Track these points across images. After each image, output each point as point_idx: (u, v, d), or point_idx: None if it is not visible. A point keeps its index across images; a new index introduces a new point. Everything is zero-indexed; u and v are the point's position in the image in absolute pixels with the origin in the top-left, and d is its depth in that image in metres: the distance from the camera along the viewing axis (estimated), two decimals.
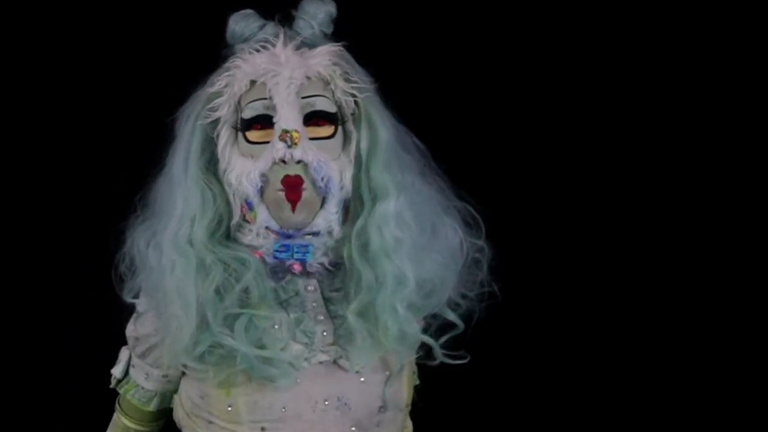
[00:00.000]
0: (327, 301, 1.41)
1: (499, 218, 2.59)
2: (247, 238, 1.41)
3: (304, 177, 1.35)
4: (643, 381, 2.67)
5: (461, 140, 2.62)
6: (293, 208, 1.36)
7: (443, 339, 1.49)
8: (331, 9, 1.45)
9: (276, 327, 1.37)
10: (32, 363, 2.70)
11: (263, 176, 1.36)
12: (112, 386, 1.63)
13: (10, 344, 2.69)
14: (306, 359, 1.38)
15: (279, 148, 1.34)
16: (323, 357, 1.39)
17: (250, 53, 1.40)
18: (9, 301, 2.69)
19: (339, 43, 1.43)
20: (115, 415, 1.65)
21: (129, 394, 1.58)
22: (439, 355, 1.49)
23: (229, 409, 1.40)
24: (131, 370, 1.58)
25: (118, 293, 1.51)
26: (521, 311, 2.64)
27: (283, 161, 1.34)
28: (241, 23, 1.44)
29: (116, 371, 1.61)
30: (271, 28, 1.44)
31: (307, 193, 1.36)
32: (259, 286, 1.37)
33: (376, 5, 2.50)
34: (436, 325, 1.49)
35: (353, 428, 1.40)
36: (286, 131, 1.34)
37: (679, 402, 2.66)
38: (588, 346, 2.65)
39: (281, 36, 1.41)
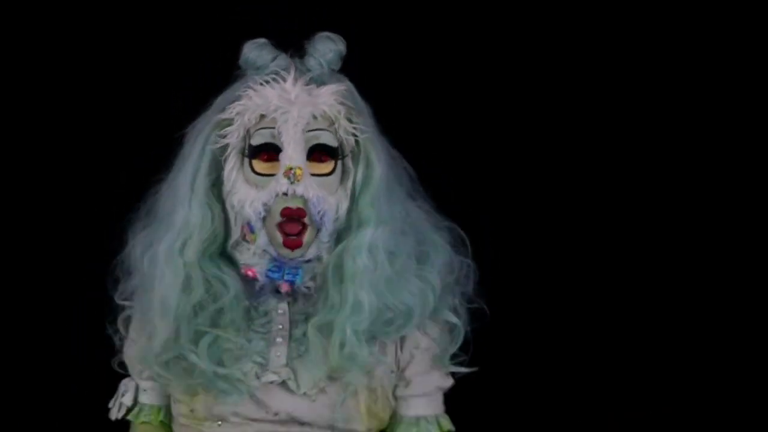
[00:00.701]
0: (292, 324, 1.54)
1: (499, 218, 2.60)
2: (244, 256, 1.53)
3: (303, 208, 1.47)
4: (643, 381, 2.67)
5: (460, 146, 2.63)
6: (292, 251, 1.49)
7: (451, 351, 1.64)
8: (341, 48, 1.55)
9: (235, 349, 1.51)
10: (32, 363, 2.70)
11: (265, 206, 1.48)
12: (116, 417, 1.74)
13: (10, 344, 2.69)
14: (257, 377, 1.52)
15: (283, 183, 1.46)
16: (273, 377, 1.53)
17: (261, 84, 1.50)
18: (9, 301, 2.69)
19: (343, 84, 1.53)
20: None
21: (159, 418, 1.69)
22: (446, 364, 1.64)
23: (191, 411, 1.57)
24: (143, 396, 1.70)
25: (110, 294, 1.64)
26: (521, 311, 2.64)
27: (285, 194, 1.47)
28: (255, 52, 1.54)
29: (127, 401, 1.72)
30: (282, 60, 1.53)
31: (306, 237, 1.49)
32: (233, 310, 1.51)
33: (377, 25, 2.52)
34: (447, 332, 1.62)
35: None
36: (290, 168, 1.45)
37: (679, 402, 2.66)
38: (588, 347, 2.65)
39: (292, 71, 1.51)
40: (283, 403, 1.53)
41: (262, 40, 1.56)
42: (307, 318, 1.54)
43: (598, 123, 2.62)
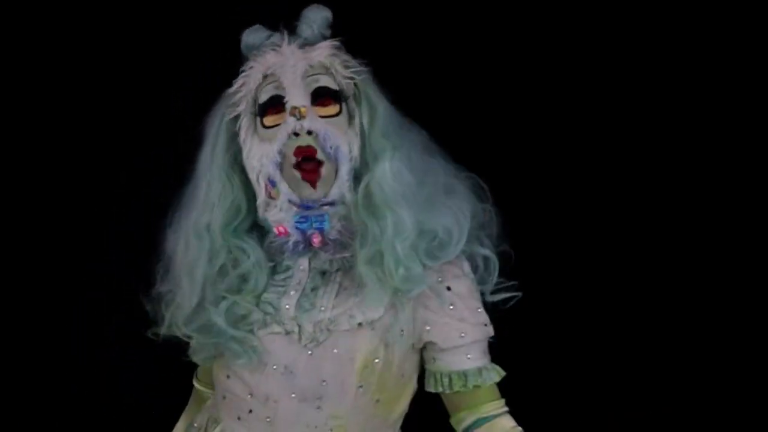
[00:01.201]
0: (310, 279, 1.62)
1: (498, 218, 2.60)
2: (272, 214, 1.61)
3: (314, 145, 1.55)
4: (643, 381, 2.67)
5: (461, 138, 2.63)
6: (314, 186, 1.57)
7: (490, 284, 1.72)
8: (328, 15, 1.66)
9: (250, 314, 1.61)
10: (32, 363, 2.70)
11: (280, 152, 1.57)
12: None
13: (10, 344, 2.69)
14: (265, 325, 1.61)
15: (290, 122, 1.55)
16: (277, 328, 1.60)
17: (260, 55, 1.64)
18: (9, 301, 2.69)
19: (336, 39, 1.65)
20: (194, 388, 1.88)
21: (207, 364, 1.76)
22: (487, 296, 1.70)
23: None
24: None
25: (156, 285, 1.71)
26: (521, 312, 2.64)
27: (296, 134, 1.55)
28: (252, 36, 1.68)
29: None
30: (277, 36, 1.66)
31: (325, 170, 1.56)
32: (256, 278, 1.61)
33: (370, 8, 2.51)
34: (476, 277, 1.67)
35: (293, 395, 1.60)
36: (295, 107, 1.56)
37: (679, 402, 2.67)
38: (588, 347, 2.65)
39: (286, 38, 1.64)
40: (283, 355, 1.61)
41: (257, 26, 1.70)
42: (323, 274, 1.62)
43: (599, 114, 2.62)
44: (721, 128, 2.60)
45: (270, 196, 1.61)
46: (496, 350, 2.60)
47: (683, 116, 2.61)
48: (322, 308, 1.60)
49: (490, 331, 1.69)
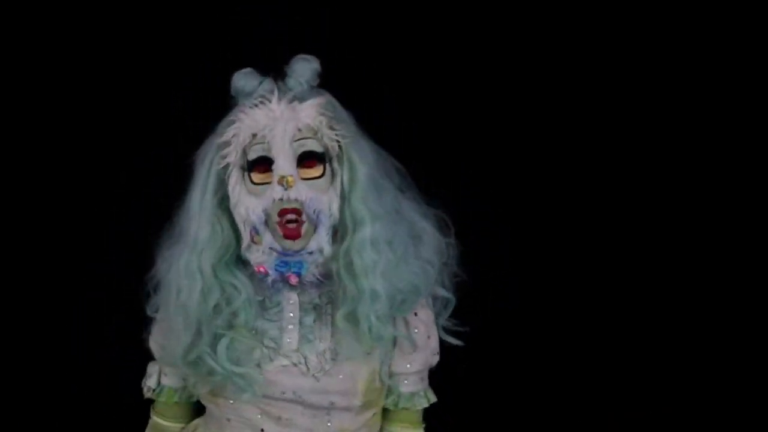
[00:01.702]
0: (303, 312, 1.74)
1: (499, 218, 2.60)
2: (254, 256, 1.71)
3: (299, 208, 1.67)
4: (643, 381, 2.67)
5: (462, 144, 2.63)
6: (293, 240, 1.68)
7: (443, 319, 1.83)
8: (316, 66, 1.74)
9: (249, 348, 1.72)
10: (32, 363, 2.70)
11: (265, 211, 1.68)
12: (147, 396, 1.90)
13: (10, 344, 2.69)
14: (270, 360, 1.72)
15: (277, 191, 1.66)
16: (284, 361, 1.73)
17: (250, 108, 1.70)
18: (9, 301, 2.69)
19: (323, 97, 1.71)
20: (153, 423, 1.93)
21: (174, 399, 1.88)
22: (441, 334, 1.83)
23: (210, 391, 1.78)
24: (165, 379, 1.88)
25: (145, 308, 1.80)
26: (521, 312, 2.64)
27: (281, 200, 1.67)
28: (243, 80, 1.73)
29: (151, 383, 1.89)
30: (267, 84, 1.73)
31: (304, 228, 1.68)
32: (246, 311, 1.72)
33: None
34: (435, 311, 1.82)
35: (304, 413, 1.73)
36: (282, 177, 1.66)
37: (679, 402, 2.67)
38: (588, 347, 2.65)
39: (275, 92, 1.70)
40: (290, 383, 1.72)
41: (248, 69, 1.74)
42: (314, 308, 1.74)
43: (599, 116, 2.62)
44: (721, 128, 2.60)
45: (253, 241, 1.71)
46: (496, 350, 2.61)
47: (683, 117, 2.61)
48: (322, 339, 1.74)
49: (436, 359, 1.84)
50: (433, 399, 1.85)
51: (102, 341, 2.64)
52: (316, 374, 1.72)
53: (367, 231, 1.68)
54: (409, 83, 2.57)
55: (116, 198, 2.63)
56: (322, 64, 1.75)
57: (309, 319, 1.74)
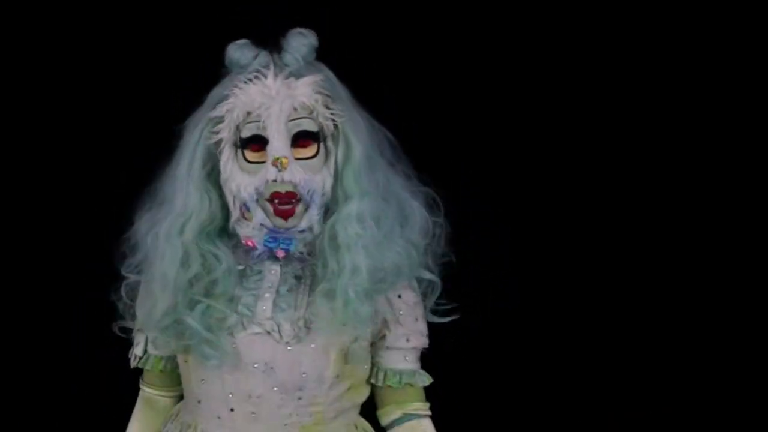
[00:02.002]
0: (281, 282, 1.72)
1: (499, 218, 2.60)
2: (244, 230, 1.71)
3: (292, 190, 1.66)
4: (643, 381, 2.67)
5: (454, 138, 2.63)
6: (285, 220, 1.68)
7: (430, 301, 1.81)
8: (313, 41, 1.72)
9: (223, 317, 1.70)
10: (32, 363, 2.70)
11: (257, 190, 1.66)
12: (133, 366, 1.88)
13: (10, 344, 2.69)
14: (244, 328, 1.70)
15: (272, 172, 1.65)
16: (257, 329, 1.70)
17: (245, 83, 1.68)
18: (9, 301, 2.69)
19: (320, 74, 1.70)
20: (143, 393, 1.92)
21: (159, 367, 1.86)
22: (429, 316, 1.81)
23: (185, 362, 1.77)
24: (151, 347, 1.86)
25: (118, 267, 1.80)
26: (521, 312, 2.64)
27: (275, 180, 1.65)
28: (238, 52, 1.71)
29: (138, 351, 1.87)
30: (263, 57, 1.71)
31: (298, 208, 1.67)
32: (225, 281, 1.71)
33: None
34: (422, 291, 1.80)
35: (275, 389, 1.70)
36: (277, 158, 1.64)
37: (679, 402, 2.67)
38: (588, 347, 2.66)
39: (271, 67, 1.68)
40: (262, 352, 1.70)
41: (244, 41, 1.72)
42: (295, 278, 1.72)
43: (599, 117, 2.63)
44: (721, 128, 2.61)
45: (244, 217, 1.71)
46: (497, 350, 2.62)
47: (683, 117, 2.61)
48: (298, 307, 1.72)
49: (426, 342, 1.82)
50: (431, 379, 1.83)
51: (102, 341, 2.64)
52: (289, 341, 1.70)
53: (354, 205, 1.68)
54: (409, 83, 2.57)
55: (116, 198, 2.63)
56: (321, 63, 1.74)
57: (285, 288, 1.72)
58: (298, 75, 1.68)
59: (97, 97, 2.64)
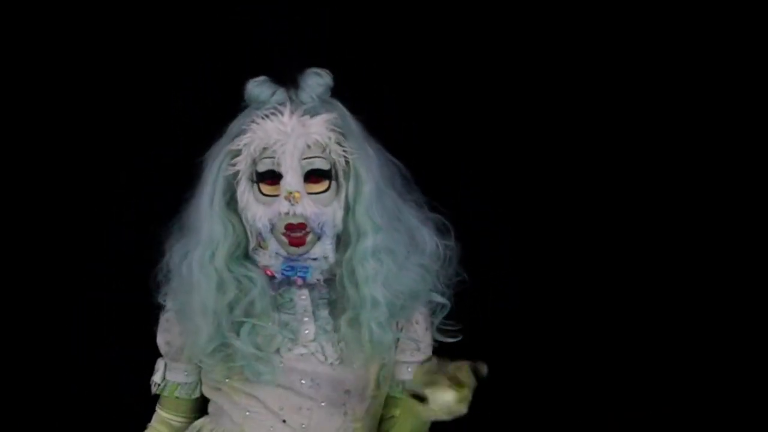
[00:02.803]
0: (315, 306, 1.82)
1: (499, 218, 2.60)
2: (262, 259, 1.81)
3: (304, 222, 1.75)
4: (643, 381, 2.67)
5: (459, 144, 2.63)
6: (298, 248, 1.77)
7: (438, 320, 1.90)
8: (328, 81, 1.80)
9: (269, 334, 1.79)
10: (32, 363, 2.70)
11: (271, 221, 1.76)
12: (155, 392, 1.95)
13: (10, 344, 2.69)
14: (289, 350, 1.80)
15: (284, 205, 1.75)
16: (302, 350, 1.80)
17: (263, 118, 1.76)
18: (9, 301, 2.69)
19: (333, 112, 1.77)
20: (158, 415, 1.97)
21: (174, 394, 1.93)
22: (434, 333, 1.90)
23: (227, 379, 1.85)
24: (169, 374, 1.93)
25: (155, 296, 1.86)
26: (521, 312, 2.64)
27: (287, 214, 1.75)
28: (257, 89, 1.79)
29: (157, 378, 1.94)
30: (280, 94, 1.79)
31: (309, 238, 1.77)
32: (262, 301, 1.79)
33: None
34: (431, 308, 1.89)
35: (323, 403, 1.81)
36: (290, 192, 1.74)
37: (679, 402, 2.66)
38: (588, 347, 2.65)
39: (288, 104, 1.77)
40: (309, 370, 1.80)
41: (263, 78, 1.80)
42: (329, 303, 1.82)
43: (599, 119, 2.62)
44: (721, 128, 2.60)
45: (260, 246, 1.81)
46: (496, 350, 2.61)
47: (683, 117, 2.61)
48: (337, 330, 1.81)
49: (430, 351, 1.91)
50: None
51: (102, 341, 2.64)
52: (333, 362, 1.80)
53: (369, 242, 1.77)
54: (409, 84, 2.57)
55: (116, 198, 2.63)
56: (321, 63, 1.79)
57: (324, 312, 1.81)
58: (312, 113, 1.77)
59: (97, 96, 2.63)
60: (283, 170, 1.74)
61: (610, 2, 2.59)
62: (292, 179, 1.74)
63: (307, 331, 1.81)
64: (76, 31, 2.61)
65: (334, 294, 1.81)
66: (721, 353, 2.64)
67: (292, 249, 1.76)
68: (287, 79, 1.80)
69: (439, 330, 1.90)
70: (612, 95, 2.60)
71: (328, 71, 1.81)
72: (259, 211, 1.77)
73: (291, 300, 1.81)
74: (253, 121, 1.77)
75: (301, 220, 1.75)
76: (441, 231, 1.86)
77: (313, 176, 1.76)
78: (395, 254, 1.78)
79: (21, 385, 2.71)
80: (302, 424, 1.80)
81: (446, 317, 1.89)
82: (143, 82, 2.60)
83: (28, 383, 2.71)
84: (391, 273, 1.77)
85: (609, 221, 2.64)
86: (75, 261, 2.65)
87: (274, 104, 1.77)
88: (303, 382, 1.80)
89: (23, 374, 2.70)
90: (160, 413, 1.96)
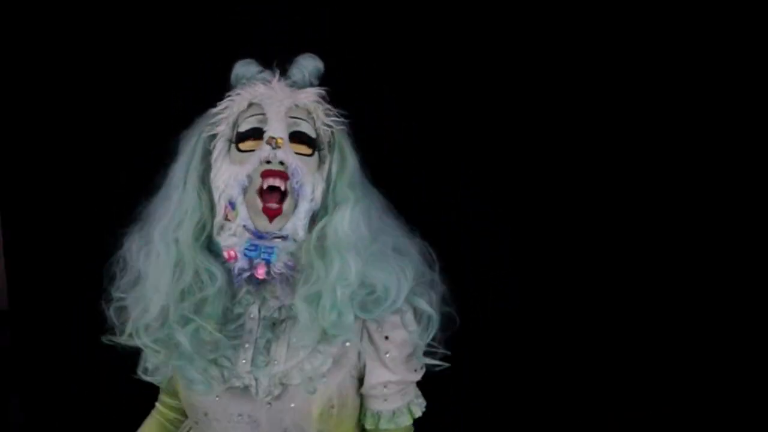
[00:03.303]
0: (262, 328, 1.70)
1: (499, 218, 2.61)
2: (225, 236, 1.67)
3: (284, 171, 1.64)
4: (643, 381, 2.67)
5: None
6: (270, 220, 1.65)
7: (428, 339, 1.76)
8: (320, 65, 1.76)
9: (212, 343, 1.68)
10: (32, 363, 2.70)
11: (249, 177, 1.64)
12: (146, 379, 1.85)
13: (10, 344, 2.70)
14: (224, 381, 1.69)
15: (265, 149, 1.65)
16: (237, 382, 1.69)
17: (249, 85, 1.73)
18: (9, 301, 2.69)
19: (322, 88, 1.75)
20: (158, 402, 1.93)
21: (166, 378, 1.82)
22: (420, 356, 1.76)
23: (179, 407, 1.83)
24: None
25: (107, 289, 1.77)
26: (521, 311, 2.64)
27: (268, 161, 1.64)
28: (243, 68, 1.76)
29: (149, 364, 1.83)
30: (267, 73, 1.76)
31: (285, 204, 1.65)
32: (214, 304, 1.67)
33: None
34: (422, 327, 1.75)
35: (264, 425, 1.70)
36: (272, 137, 1.65)
37: (679, 402, 2.67)
38: (588, 347, 2.66)
39: (277, 75, 1.74)
40: (244, 406, 1.70)
41: (250, 60, 1.77)
42: (274, 324, 1.69)
43: (592, 116, 2.63)
44: (721, 128, 2.61)
45: (227, 218, 1.67)
46: (497, 350, 2.61)
47: (683, 117, 2.61)
48: (275, 362, 1.68)
49: (417, 377, 1.78)
50: (419, 413, 1.79)
51: (102, 342, 2.64)
52: (268, 399, 1.69)
53: (347, 210, 1.67)
54: (409, 83, 2.57)
55: (116, 198, 2.63)
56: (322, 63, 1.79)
57: (263, 340, 1.69)
58: (301, 86, 1.74)
59: (97, 96, 2.64)
60: (268, 118, 1.67)
61: (610, 2, 2.59)
62: (277, 125, 1.66)
63: (244, 361, 1.69)
64: (76, 31, 2.62)
65: (285, 311, 1.69)
66: (721, 353, 2.64)
67: (263, 222, 1.64)
68: (277, 66, 1.78)
69: (427, 353, 1.77)
70: (612, 95, 2.60)
71: (320, 58, 1.78)
72: (234, 170, 1.65)
73: (239, 317, 1.70)
74: (239, 88, 1.73)
75: (281, 168, 1.64)
76: (425, 257, 1.76)
77: (297, 138, 1.69)
78: (375, 236, 1.68)
79: (21, 385, 2.71)
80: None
81: (433, 340, 1.76)
82: (143, 82, 2.61)
83: (29, 383, 2.71)
84: (366, 246, 1.65)
85: (609, 221, 2.64)
86: (75, 261, 2.65)
87: (260, 78, 1.74)
88: (239, 416, 1.71)
89: (23, 374, 2.71)
90: (169, 404, 1.93)
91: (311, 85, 1.75)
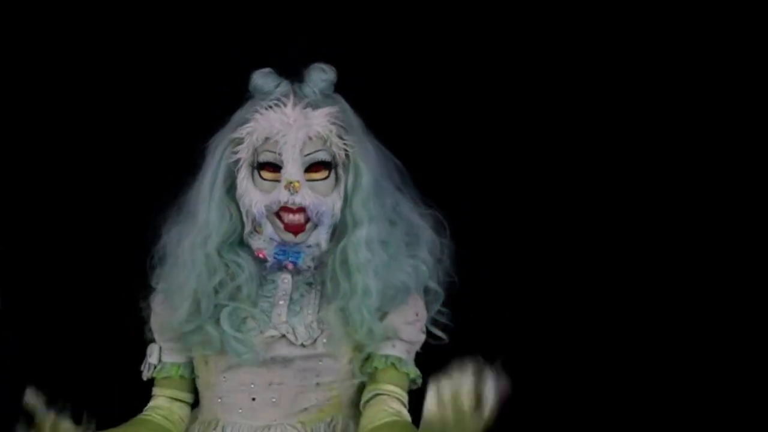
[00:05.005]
0: (294, 289, 1.85)
1: (499, 218, 2.61)
2: (256, 242, 1.84)
3: (303, 207, 1.78)
4: (643, 381, 2.67)
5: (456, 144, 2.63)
6: (295, 235, 1.80)
7: (432, 312, 1.90)
8: (332, 77, 1.85)
9: (249, 317, 1.83)
10: (32, 363, 2.70)
11: (267, 207, 1.79)
12: (147, 377, 1.94)
13: (10, 344, 2.69)
14: (261, 332, 1.82)
15: (284, 194, 1.78)
16: (273, 332, 1.83)
17: (266, 109, 1.80)
18: (9, 301, 2.69)
19: (335, 106, 1.82)
20: (155, 401, 1.95)
21: (178, 373, 1.92)
22: (429, 325, 1.89)
23: (206, 363, 1.88)
24: (165, 357, 1.93)
25: (149, 279, 1.89)
26: (521, 311, 2.64)
27: (286, 203, 1.78)
28: (261, 80, 1.84)
29: (153, 360, 1.94)
30: (284, 87, 1.83)
31: (307, 226, 1.80)
32: (248, 286, 1.83)
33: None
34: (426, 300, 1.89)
35: (294, 377, 1.82)
36: (289, 182, 1.77)
37: (679, 402, 2.67)
38: (588, 347, 2.66)
39: (291, 97, 1.81)
40: (281, 351, 1.83)
41: (267, 69, 1.85)
42: (308, 284, 1.85)
43: (591, 116, 2.63)
44: (721, 128, 2.61)
45: (255, 230, 1.83)
46: (496, 350, 2.61)
47: (683, 118, 2.61)
48: (309, 312, 1.84)
49: (422, 338, 1.90)
50: (419, 379, 1.85)
51: (102, 341, 2.65)
52: (304, 343, 1.82)
53: (363, 231, 1.80)
54: (410, 83, 2.58)
55: (119, 198, 2.63)
56: (324, 62, 1.83)
57: (297, 294, 1.84)
58: (315, 106, 1.81)
59: (97, 97, 2.64)
60: (284, 160, 1.77)
61: (610, 2, 2.59)
62: (292, 169, 1.77)
63: (279, 313, 1.83)
64: (76, 32, 2.62)
65: (319, 277, 1.84)
66: (721, 353, 2.64)
67: (288, 236, 1.79)
68: (291, 73, 1.83)
69: (433, 322, 1.90)
70: (612, 96, 2.60)
71: (332, 67, 1.85)
72: (257, 196, 1.80)
73: (273, 282, 1.85)
74: (256, 111, 1.80)
75: (300, 206, 1.78)
76: (437, 227, 1.89)
77: (313, 167, 1.80)
78: (388, 246, 1.82)
79: (21, 384, 2.71)
80: (272, 398, 1.83)
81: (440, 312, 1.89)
82: (143, 82, 2.61)
83: (29, 383, 2.71)
84: (383, 264, 1.81)
85: (609, 221, 2.64)
86: (76, 261, 2.65)
87: (277, 95, 1.81)
88: (274, 359, 1.82)
89: (23, 374, 2.71)
90: (164, 398, 1.93)
91: (324, 96, 1.83)
